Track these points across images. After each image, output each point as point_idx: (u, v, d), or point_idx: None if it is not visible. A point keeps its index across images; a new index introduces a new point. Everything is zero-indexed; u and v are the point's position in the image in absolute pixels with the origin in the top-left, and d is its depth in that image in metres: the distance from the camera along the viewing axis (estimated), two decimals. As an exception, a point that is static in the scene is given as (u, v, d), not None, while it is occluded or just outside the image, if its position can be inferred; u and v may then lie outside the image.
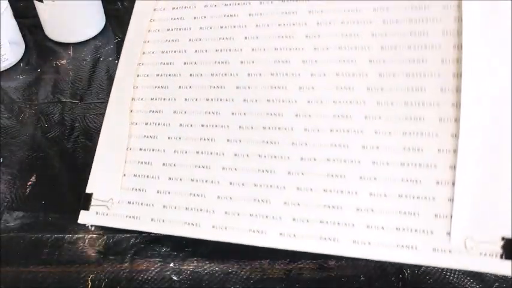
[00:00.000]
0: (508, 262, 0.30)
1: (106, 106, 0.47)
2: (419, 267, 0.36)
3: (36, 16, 0.52)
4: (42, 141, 0.44)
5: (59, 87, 0.49)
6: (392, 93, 0.34)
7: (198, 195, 0.37)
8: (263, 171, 0.36)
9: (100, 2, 0.53)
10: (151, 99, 0.40)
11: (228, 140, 0.37)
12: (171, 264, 0.37)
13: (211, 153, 0.37)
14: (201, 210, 0.36)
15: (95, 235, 0.38)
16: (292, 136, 0.36)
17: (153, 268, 0.37)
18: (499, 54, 0.32)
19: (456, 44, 0.34)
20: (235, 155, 0.37)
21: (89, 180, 0.39)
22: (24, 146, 0.44)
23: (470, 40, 0.33)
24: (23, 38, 0.51)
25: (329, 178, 0.34)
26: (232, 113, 0.38)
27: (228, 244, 0.38)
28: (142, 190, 0.38)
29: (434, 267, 0.36)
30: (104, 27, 0.54)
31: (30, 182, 0.41)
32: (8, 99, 0.48)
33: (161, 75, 0.40)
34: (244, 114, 0.37)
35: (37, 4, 0.50)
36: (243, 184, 0.36)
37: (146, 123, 0.39)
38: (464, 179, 0.31)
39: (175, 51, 0.40)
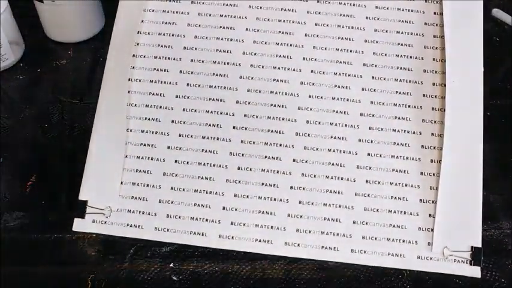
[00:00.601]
0: (476, 267, 0.36)
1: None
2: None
3: (36, 16, 0.52)
4: (42, 141, 0.44)
5: (59, 87, 0.49)
6: (382, 120, 0.39)
7: (203, 205, 0.38)
8: (267, 185, 0.38)
9: (100, 2, 0.53)
10: (146, 106, 0.40)
11: (230, 154, 0.38)
12: (171, 264, 0.37)
13: (214, 165, 0.38)
14: (206, 220, 0.37)
15: (95, 235, 0.38)
16: (292, 153, 0.38)
17: (153, 268, 0.37)
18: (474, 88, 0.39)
19: (438, 82, 0.39)
20: (239, 168, 0.38)
21: (82, 187, 0.38)
22: (24, 146, 0.44)
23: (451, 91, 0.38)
24: (23, 38, 0.51)
25: (328, 193, 0.38)
26: (234, 127, 0.39)
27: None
28: (143, 199, 0.38)
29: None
30: (104, 27, 0.53)
31: (30, 182, 0.41)
32: (8, 99, 0.48)
33: (155, 81, 0.40)
34: (246, 129, 0.39)
35: (37, 4, 0.50)
36: (247, 196, 0.38)
37: (142, 131, 0.39)
38: (443, 199, 0.37)
39: (169, 58, 0.41)
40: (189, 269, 0.37)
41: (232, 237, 0.37)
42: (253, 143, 0.38)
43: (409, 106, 0.39)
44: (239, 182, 0.38)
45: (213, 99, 0.39)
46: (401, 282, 0.36)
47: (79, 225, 0.38)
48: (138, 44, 0.41)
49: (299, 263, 0.37)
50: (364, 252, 0.36)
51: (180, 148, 0.39)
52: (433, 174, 0.37)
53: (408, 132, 0.38)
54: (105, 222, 0.38)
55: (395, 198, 0.37)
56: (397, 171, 0.38)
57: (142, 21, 0.42)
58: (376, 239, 0.37)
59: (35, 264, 0.37)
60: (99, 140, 0.39)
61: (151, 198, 0.38)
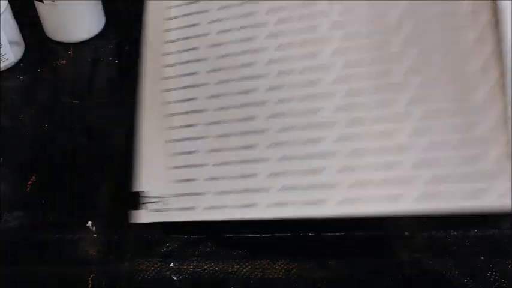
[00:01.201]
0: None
1: (106, 106, 0.47)
2: (418, 267, 0.37)
3: (36, 16, 0.52)
4: (42, 141, 0.44)
5: (59, 87, 0.49)
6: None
7: (248, 176, 0.37)
8: (311, 141, 0.36)
9: (100, 2, 0.53)
10: (185, 112, 0.40)
11: (270, 116, 0.37)
12: (171, 264, 0.37)
13: (255, 132, 0.37)
14: (254, 191, 0.36)
15: (95, 235, 0.38)
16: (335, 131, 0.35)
17: (153, 268, 0.37)
18: None
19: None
20: (278, 130, 0.37)
21: (136, 179, 0.38)
22: (24, 146, 0.44)
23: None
24: (23, 38, 0.51)
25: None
26: (269, 115, 0.38)
27: (228, 243, 0.38)
28: (191, 180, 0.38)
29: (433, 268, 0.37)
30: (104, 27, 0.54)
31: (30, 182, 0.41)
32: (8, 99, 0.48)
33: (188, 87, 0.40)
34: (280, 116, 0.37)
35: (37, 4, 0.50)
36: (292, 159, 0.36)
37: (185, 124, 0.39)
38: None
39: (197, 61, 0.40)
40: (189, 269, 0.37)
41: (282, 204, 0.36)
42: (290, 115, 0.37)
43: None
44: (282, 143, 0.37)
45: (244, 92, 0.38)
46: (401, 282, 0.36)
47: (136, 216, 0.37)
48: (167, 54, 0.41)
49: (299, 263, 0.37)
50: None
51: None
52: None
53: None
54: (161, 210, 0.37)
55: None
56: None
57: (168, 30, 0.42)
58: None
59: (35, 264, 0.37)
60: (146, 132, 0.39)
61: (198, 178, 0.37)
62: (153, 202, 0.38)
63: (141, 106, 0.40)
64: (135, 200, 0.38)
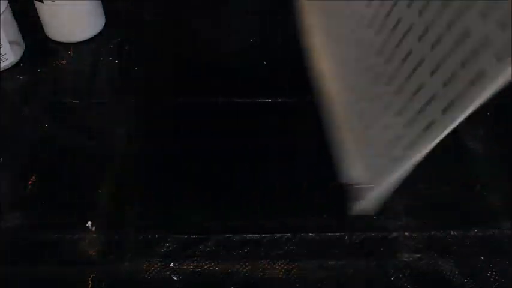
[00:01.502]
0: None
1: (106, 106, 0.47)
2: (418, 267, 0.37)
3: (36, 16, 0.52)
4: (42, 141, 0.44)
5: (59, 87, 0.49)
6: None
7: (397, 114, 0.35)
8: None
9: (100, 2, 0.53)
10: None
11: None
12: (171, 264, 0.37)
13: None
14: (404, 126, 0.34)
15: (95, 235, 0.38)
16: None
17: (153, 268, 0.37)
18: None
19: None
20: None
21: (340, 171, 0.37)
22: (24, 146, 0.44)
23: None
24: (23, 38, 0.51)
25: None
26: None
27: (228, 243, 0.38)
28: (380, 146, 0.36)
29: (433, 268, 0.37)
30: (104, 27, 0.53)
31: (30, 182, 0.41)
32: (8, 99, 0.48)
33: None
34: None
35: (37, 4, 0.50)
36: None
37: None
38: None
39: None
40: (189, 269, 0.37)
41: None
42: None
43: None
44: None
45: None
46: (401, 282, 0.36)
47: (359, 207, 0.36)
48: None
49: (299, 263, 0.37)
50: None
51: None
52: None
53: None
54: (371, 191, 0.35)
55: None
56: None
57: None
58: None
59: (35, 264, 0.37)
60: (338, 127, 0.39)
61: (384, 138, 0.36)
62: (363, 188, 0.36)
63: (322, 95, 0.40)
64: (350, 191, 0.36)
